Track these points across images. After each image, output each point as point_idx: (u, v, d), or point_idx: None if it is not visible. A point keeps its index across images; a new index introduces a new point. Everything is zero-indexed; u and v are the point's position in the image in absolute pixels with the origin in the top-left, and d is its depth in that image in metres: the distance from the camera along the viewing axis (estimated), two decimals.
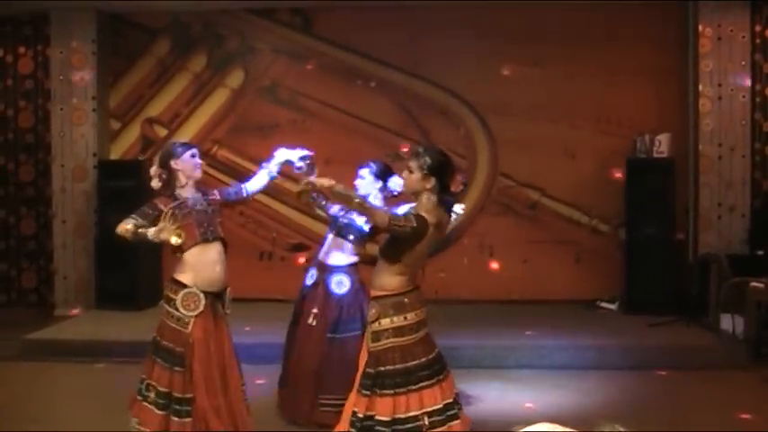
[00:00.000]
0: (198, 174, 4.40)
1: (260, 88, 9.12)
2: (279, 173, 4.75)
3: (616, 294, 8.37)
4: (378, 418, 3.71)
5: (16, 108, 9.27)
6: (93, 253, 8.69)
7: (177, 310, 4.20)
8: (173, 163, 4.33)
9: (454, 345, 6.72)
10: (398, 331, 3.79)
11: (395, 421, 3.70)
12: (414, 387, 3.74)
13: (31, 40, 9.20)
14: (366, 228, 5.00)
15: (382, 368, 3.75)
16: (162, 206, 4.27)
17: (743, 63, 8.31)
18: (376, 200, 5.18)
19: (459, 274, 8.46)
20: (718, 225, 8.29)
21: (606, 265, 8.55)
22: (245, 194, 4.66)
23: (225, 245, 4.41)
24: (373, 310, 3.83)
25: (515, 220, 8.79)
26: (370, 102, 8.93)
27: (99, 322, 7.98)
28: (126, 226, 4.20)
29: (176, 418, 4.15)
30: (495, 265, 8.82)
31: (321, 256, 5.30)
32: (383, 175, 5.19)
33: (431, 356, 3.84)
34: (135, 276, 8.37)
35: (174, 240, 4.14)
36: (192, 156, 4.38)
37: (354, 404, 3.82)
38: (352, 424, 3.78)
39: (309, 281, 5.27)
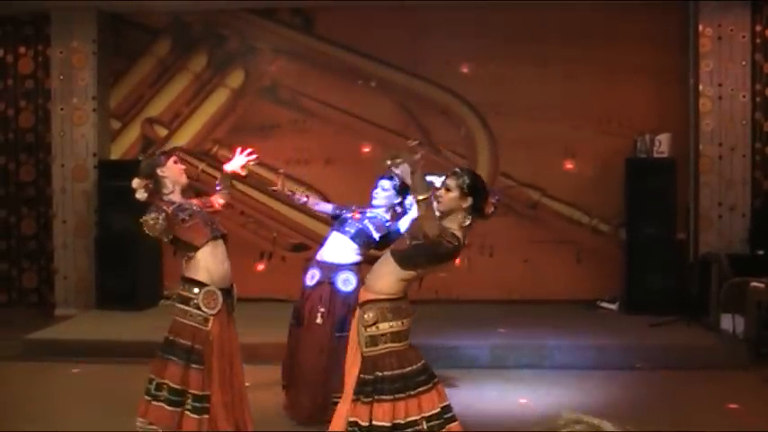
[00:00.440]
0: (184, 179, 4.47)
1: (260, 88, 9.12)
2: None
3: (616, 294, 8.38)
4: (378, 424, 3.66)
5: (17, 108, 9.28)
6: (93, 253, 8.69)
7: (199, 308, 4.24)
8: (159, 171, 4.39)
9: (454, 345, 6.76)
10: (396, 336, 3.77)
11: (395, 427, 3.68)
12: (412, 392, 3.71)
13: (31, 39, 9.21)
14: (376, 236, 5.04)
15: (380, 373, 3.71)
16: (165, 207, 4.30)
17: (743, 63, 8.31)
18: (387, 214, 5.23)
19: (460, 274, 8.45)
20: (719, 225, 8.29)
21: (607, 264, 8.55)
22: (217, 206, 4.72)
23: (226, 242, 4.48)
24: (371, 314, 3.76)
25: (516, 219, 8.79)
26: (371, 102, 8.92)
27: (99, 322, 7.99)
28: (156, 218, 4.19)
29: (194, 415, 4.16)
30: (495, 265, 8.82)
31: (323, 255, 5.29)
32: (402, 191, 5.18)
33: (423, 361, 3.83)
34: (135, 276, 8.37)
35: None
36: (175, 162, 4.46)
37: (352, 413, 3.74)
38: None
39: (311, 281, 5.24)
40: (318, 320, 5.09)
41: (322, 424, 4.93)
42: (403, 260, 3.80)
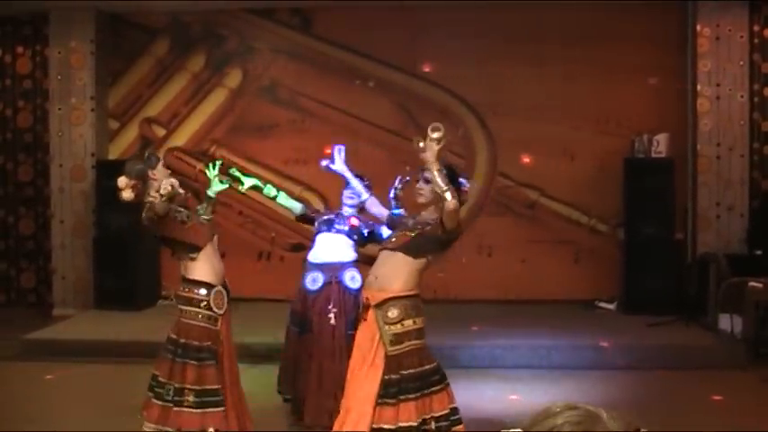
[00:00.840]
0: (175, 185, 4.45)
1: (259, 88, 9.11)
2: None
3: (615, 294, 8.38)
4: (405, 425, 3.60)
5: (15, 108, 9.26)
6: (91, 253, 8.68)
7: (210, 309, 4.27)
8: (151, 173, 4.39)
9: (453, 345, 6.75)
10: (418, 333, 3.77)
11: (425, 422, 3.64)
12: (427, 391, 3.70)
13: (29, 39, 9.20)
14: (385, 233, 5.02)
15: (405, 372, 3.67)
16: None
17: (741, 63, 8.31)
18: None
19: (458, 274, 8.45)
20: (717, 225, 8.30)
21: (605, 264, 8.55)
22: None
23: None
24: (396, 311, 3.73)
25: (514, 219, 8.79)
26: (370, 102, 8.92)
27: (97, 322, 7.98)
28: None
29: (215, 409, 4.17)
30: (493, 265, 8.81)
31: (320, 256, 5.18)
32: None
33: (437, 361, 3.82)
34: (133, 276, 8.36)
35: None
36: (163, 165, 4.48)
37: (378, 419, 3.63)
38: None
39: (313, 285, 5.09)
40: (332, 321, 4.98)
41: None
42: (412, 250, 3.81)
